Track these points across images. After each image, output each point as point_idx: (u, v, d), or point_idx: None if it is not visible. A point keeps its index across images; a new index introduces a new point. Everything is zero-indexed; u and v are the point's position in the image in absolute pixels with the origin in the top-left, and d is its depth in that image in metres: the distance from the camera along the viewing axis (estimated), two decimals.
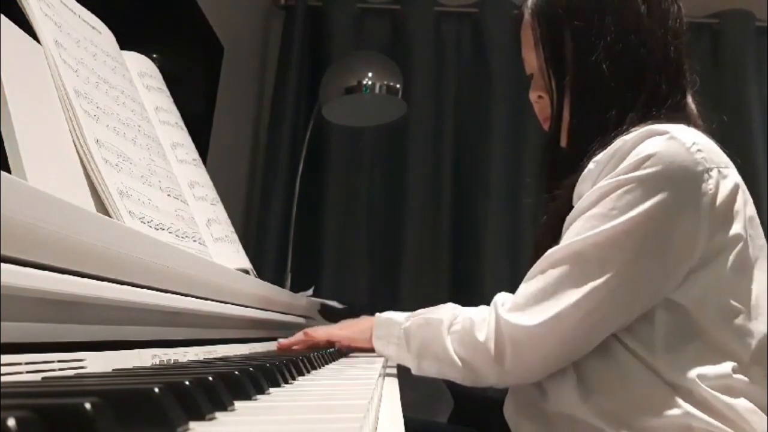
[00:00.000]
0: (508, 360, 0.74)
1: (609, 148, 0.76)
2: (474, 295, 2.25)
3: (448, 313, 0.82)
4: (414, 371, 0.85)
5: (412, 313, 0.87)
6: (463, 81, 2.49)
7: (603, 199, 0.73)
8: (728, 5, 2.53)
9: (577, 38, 0.83)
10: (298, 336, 0.99)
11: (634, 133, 0.75)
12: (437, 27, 2.51)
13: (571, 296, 0.72)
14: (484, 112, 2.42)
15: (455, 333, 0.79)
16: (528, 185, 2.35)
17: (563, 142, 0.88)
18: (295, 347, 1.00)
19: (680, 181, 0.71)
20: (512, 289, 0.80)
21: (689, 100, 0.86)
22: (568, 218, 0.78)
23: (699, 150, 0.73)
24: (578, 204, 0.77)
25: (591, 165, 0.78)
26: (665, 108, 0.81)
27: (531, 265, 0.80)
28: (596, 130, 0.81)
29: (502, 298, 0.79)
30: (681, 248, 0.72)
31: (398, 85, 1.99)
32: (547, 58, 0.86)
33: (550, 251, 0.76)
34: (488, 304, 0.82)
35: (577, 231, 0.74)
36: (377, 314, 0.92)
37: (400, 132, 2.37)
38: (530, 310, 0.74)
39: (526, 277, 0.78)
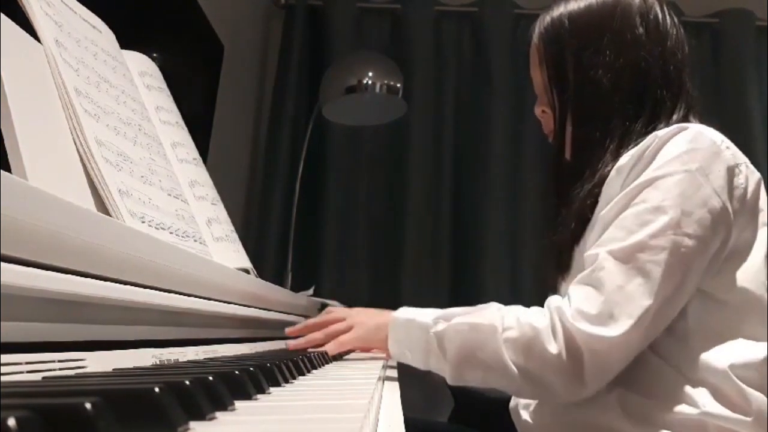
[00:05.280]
0: (588, 373, 0.70)
1: (641, 143, 0.79)
2: (474, 294, 2.25)
3: (495, 316, 0.76)
4: (450, 380, 0.78)
5: (441, 313, 0.80)
6: (463, 81, 2.49)
7: (650, 193, 0.74)
8: (728, 5, 2.53)
9: (578, 55, 0.88)
10: (314, 337, 0.92)
11: (665, 129, 0.79)
12: (437, 27, 2.52)
13: (647, 296, 0.70)
14: (484, 112, 2.42)
15: (511, 340, 0.73)
16: (528, 188, 2.36)
17: (567, 154, 0.92)
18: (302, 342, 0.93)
19: (719, 176, 0.75)
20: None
21: (692, 119, 0.88)
22: (603, 215, 0.78)
23: (728, 147, 0.78)
24: (616, 200, 0.77)
25: (623, 159, 0.80)
26: (671, 121, 0.84)
27: (546, 269, 0.81)
28: (598, 140, 0.85)
29: (561, 302, 0.74)
30: (723, 237, 0.75)
31: (398, 85, 1.99)
32: (550, 75, 0.91)
33: (604, 251, 0.74)
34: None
35: (629, 228, 0.74)
36: (394, 315, 0.85)
37: (400, 132, 2.38)
38: (606, 318, 0.70)
39: (578, 281, 0.75)
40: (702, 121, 0.88)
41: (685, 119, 0.85)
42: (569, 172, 0.89)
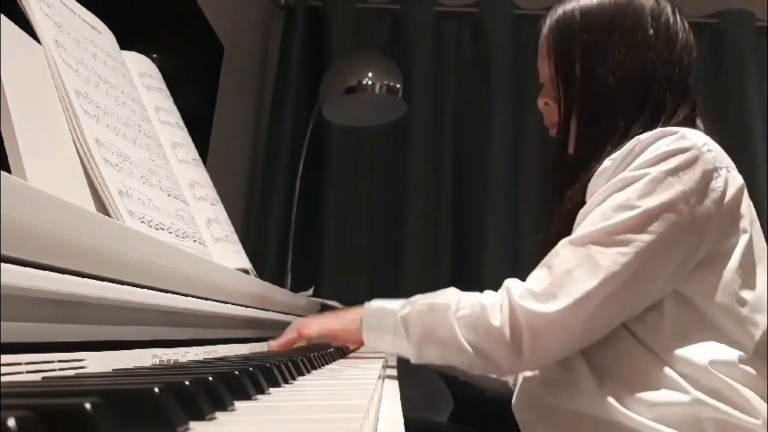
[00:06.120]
0: (526, 347, 0.74)
1: (624, 147, 0.80)
2: None
3: (452, 297, 0.81)
4: (413, 359, 0.83)
5: (407, 300, 0.85)
6: (463, 81, 2.49)
7: (619, 192, 0.76)
8: (728, 5, 2.53)
9: (587, 51, 0.88)
10: (290, 336, 0.95)
11: (648, 133, 0.79)
12: (437, 27, 2.51)
13: (590, 282, 0.73)
14: (484, 112, 2.42)
15: (464, 318, 0.78)
16: (528, 188, 2.36)
17: (570, 149, 0.92)
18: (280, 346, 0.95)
19: (692, 178, 0.75)
20: None
21: (698, 121, 0.89)
22: (581, 212, 0.81)
23: (709, 150, 0.78)
24: (593, 198, 0.80)
25: (606, 163, 0.81)
26: (671, 123, 0.84)
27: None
28: (602, 138, 0.86)
29: (513, 283, 0.78)
30: (691, 241, 0.75)
31: (398, 85, 1.99)
32: (557, 68, 0.92)
33: (564, 240, 0.77)
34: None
35: (593, 221, 0.76)
36: (366, 304, 0.89)
37: (400, 132, 2.37)
38: (548, 297, 0.74)
39: (539, 265, 0.78)
40: (705, 124, 0.88)
41: (687, 122, 0.86)
42: (572, 168, 0.90)
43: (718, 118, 0.89)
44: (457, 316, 0.78)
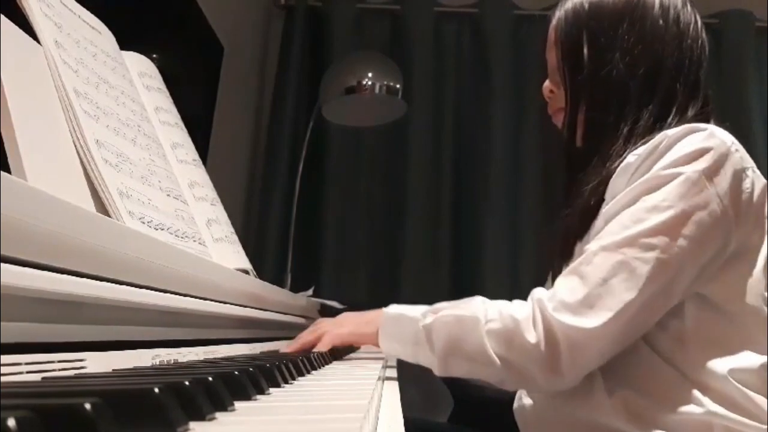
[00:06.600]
0: (565, 364, 0.71)
1: (649, 142, 0.78)
2: (474, 294, 2.24)
3: (479, 308, 0.77)
4: (437, 372, 0.79)
5: (429, 308, 0.82)
6: (463, 81, 2.49)
7: (651, 193, 0.74)
8: (728, 5, 2.53)
9: (595, 37, 0.88)
10: (305, 339, 0.91)
11: (675, 128, 0.78)
12: (437, 27, 2.52)
13: (629, 292, 0.70)
14: (484, 112, 2.43)
15: (493, 331, 0.74)
16: (528, 188, 2.36)
17: (578, 140, 0.91)
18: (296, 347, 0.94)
19: (725, 178, 0.74)
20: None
21: (711, 117, 0.88)
22: (605, 211, 0.78)
23: (737, 150, 0.77)
24: (619, 197, 0.77)
25: (631, 158, 0.79)
26: (684, 116, 0.84)
27: (550, 261, 0.80)
28: (612, 125, 0.85)
29: (543, 294, 0.75)
30: (721, 242, 0.74)
31: (398, 85, 1.99)
32: (564, 54, 0.91)
33: (595, 245, 0.74)
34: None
35: (625, 224, 0.74)
36: (385, 310, 0.85)
37: (400, 132, 2.38)
38: (586, 310, 0.71)
39: (567, 272, 0.75)
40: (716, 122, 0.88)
41: (700, 117, 0.85)
42: (580, 159, 0.88)
43: (718, 118, 0.89)
44: (486, 330, 0.75)
